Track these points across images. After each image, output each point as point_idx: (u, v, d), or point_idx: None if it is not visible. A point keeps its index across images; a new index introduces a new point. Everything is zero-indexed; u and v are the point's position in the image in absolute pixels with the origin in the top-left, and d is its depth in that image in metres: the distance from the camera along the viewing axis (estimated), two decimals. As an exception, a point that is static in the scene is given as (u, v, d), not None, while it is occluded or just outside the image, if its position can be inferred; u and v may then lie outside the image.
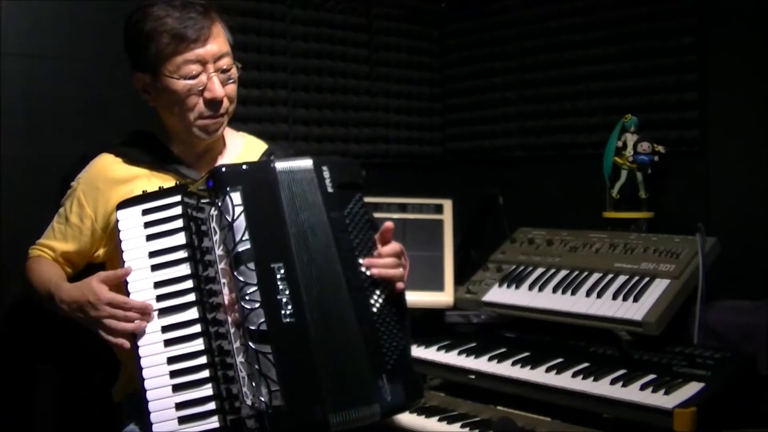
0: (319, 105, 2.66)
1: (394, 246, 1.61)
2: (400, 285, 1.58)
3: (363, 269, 1.53)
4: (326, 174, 1.54)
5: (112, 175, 1.72)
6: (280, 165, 1.51)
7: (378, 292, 1.54)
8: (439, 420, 1.94)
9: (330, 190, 1.53)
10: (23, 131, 1.94)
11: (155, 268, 1.51)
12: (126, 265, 1.51)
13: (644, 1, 2.44)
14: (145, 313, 1.48)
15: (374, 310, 1.52)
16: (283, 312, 1.41)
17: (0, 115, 1.91)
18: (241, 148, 1.88)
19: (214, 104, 1.68)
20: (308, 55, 2.62)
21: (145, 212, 1.55)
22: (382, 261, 1.55)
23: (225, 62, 1.69)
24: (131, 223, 1.55)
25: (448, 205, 2.51)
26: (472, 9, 2.94)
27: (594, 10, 2.57)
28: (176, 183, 1.58)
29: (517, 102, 2.81)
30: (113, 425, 1.77)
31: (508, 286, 2.25)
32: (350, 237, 1.53)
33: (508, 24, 2.83)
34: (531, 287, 2.20)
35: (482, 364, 2.00)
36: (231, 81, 1.72)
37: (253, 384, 1.36)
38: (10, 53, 1.92)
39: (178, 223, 1.53)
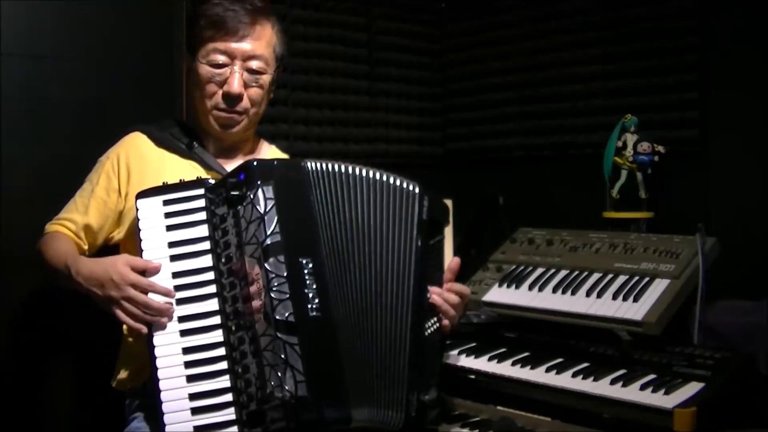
0: (319, 105, 2.66)
1: (465, 288, 1.75)
2: (447, 324, 1.67)
3: (428, 295, 1.62)
4: (426, 203, 1.65)
5: (142, 153, 1.75)
6: (311, 165, 1.55)
7: (434, 320, 1.64)
8: (439, 420, 1.94)
9: (425, 217, 1.63)
10: (23, 131, 1.94)
11: (174, 258, 1.51)
12: (144, 254, 1.51)
13: (644, 1, 2.44)
14: (167, 299, 1.47)
15: (426, 333, 1.60)
16: (309, 306, 1.43)
17: (0, 115, 1.91)
18: (269, 155, 1.93)
19: (230, 99, 1.72)
20: (308, 55, 2.62)
21: (166, 203, 1.55)
22: (446, 294, 1.66)
23: (256, 64, 1.72)
24: (151, 213, 1.54)
25: (448, 205, 2.50)
26: (472, 9, 2.94)
27: (594, 10, 2.57)
28: (198, 177, 1.59)
29: (517, 102, 2.81)
30: (117, 414, 1.78)
31: (508, 286, 2.25)
32: (426, 264, 1.62)
33: (507, 24, 2.82)
34: (531, 287, 2.20)
35: (482, 363, 2.00)
36: (256, 84, 1.74)
37: (279, 374, 1.37)
38: (10, 53, 1.92)
39: (200, 216, 1.53)
